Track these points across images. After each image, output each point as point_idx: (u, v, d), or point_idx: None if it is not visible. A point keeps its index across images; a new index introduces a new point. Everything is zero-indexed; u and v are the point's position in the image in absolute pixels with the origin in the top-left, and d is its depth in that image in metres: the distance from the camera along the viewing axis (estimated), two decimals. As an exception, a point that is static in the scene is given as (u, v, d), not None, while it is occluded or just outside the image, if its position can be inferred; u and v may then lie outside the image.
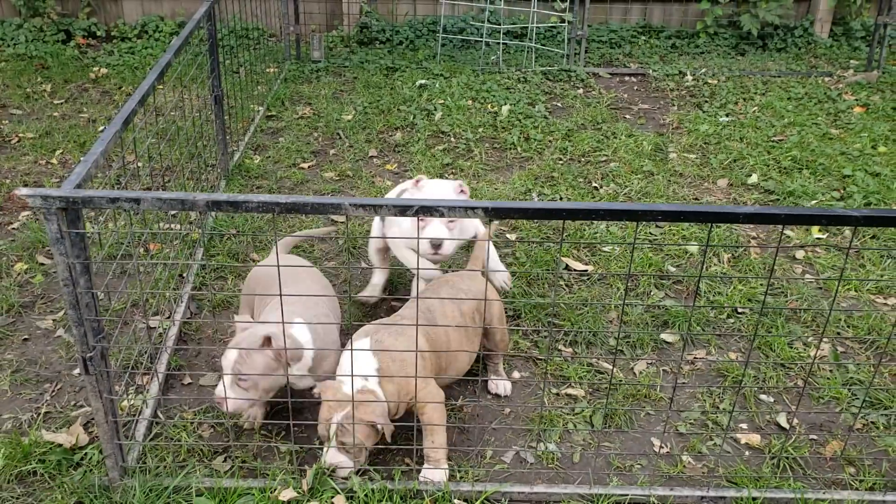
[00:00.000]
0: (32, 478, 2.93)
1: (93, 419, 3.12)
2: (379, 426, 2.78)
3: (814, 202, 4.91)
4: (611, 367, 3.48)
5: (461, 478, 2.94)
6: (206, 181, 4.76)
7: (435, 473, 2.88)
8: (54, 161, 5.38)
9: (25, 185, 5.04)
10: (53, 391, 3.39)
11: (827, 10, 7.80)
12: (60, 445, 3.01)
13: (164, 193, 2.37)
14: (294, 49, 7.35)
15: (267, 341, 2.85)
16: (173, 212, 4.48)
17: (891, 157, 5.47)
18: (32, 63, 7.09)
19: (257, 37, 7.24)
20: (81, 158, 2.52)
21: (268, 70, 6.97)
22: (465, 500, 2.83)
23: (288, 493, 2.79)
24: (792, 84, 6.83)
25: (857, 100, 6.50)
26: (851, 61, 7.41)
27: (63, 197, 2.34)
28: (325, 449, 2.84)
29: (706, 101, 6.51)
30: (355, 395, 2.78)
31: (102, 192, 2.36)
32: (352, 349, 2.89)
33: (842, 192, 5.04)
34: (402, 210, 2.40)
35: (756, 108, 6.35)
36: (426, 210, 2.38)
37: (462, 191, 3.45)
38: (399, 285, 4.09)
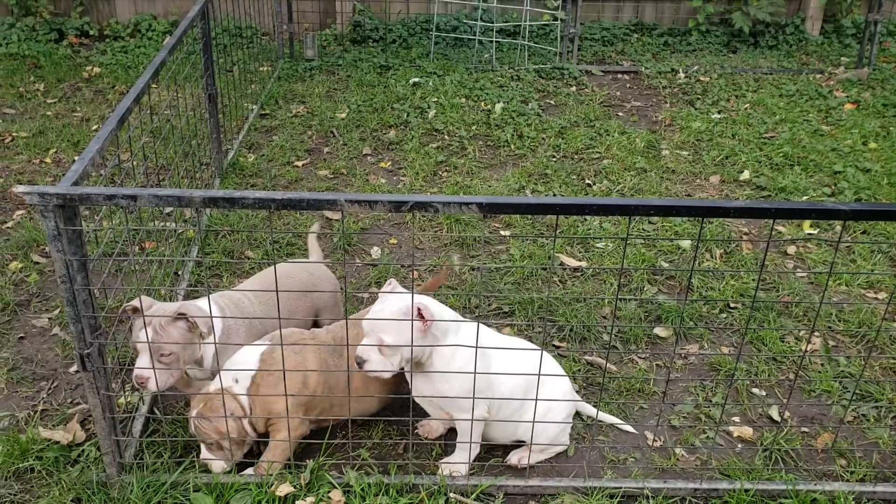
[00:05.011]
0: (30, 475, 2.94)
1: (90, 416, 3.15)
2: (233, 430, 2.78)
3: (805, 198, 4.95)
4: (604, 361, 3.51)
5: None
6: (201, 179, 4.77)
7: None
8: (48, 160, 5.38)
9: (20, 184, 5.04)
10: (50, 389, 3.40)
11: (818, 8, 7.85)
12: (58, 442, 3.03)
13: (161, 190, 2.38)
14: (287, 47, 7.36)
15: (180, 315, 2.81)
16: (168, 209, 4.49)
17: (881, 154, 5.51)
18: (25, 62, 7.09)
19: (251, 35, 7.25)
20: (77, 157, 2.53)
21: (261, 68, 6.98)
22: (461, 494, 2.85)
23: (285, 488, 2.80)
24: (783, 81, 6.87)
25: (847, 97, 6.54)
26: (842, 58, 7.46)
27: (60, 194, 2.35)
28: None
29: (698, 99, 6.55)
30: (216, 393, 2.79)
31: (99, 189, 2.37)
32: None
33: (833, 188, 5.08)
34: (398, 206, 2.41)
35: (748, 105, 6.39)
36: (421, 206, 2.40)
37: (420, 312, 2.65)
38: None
